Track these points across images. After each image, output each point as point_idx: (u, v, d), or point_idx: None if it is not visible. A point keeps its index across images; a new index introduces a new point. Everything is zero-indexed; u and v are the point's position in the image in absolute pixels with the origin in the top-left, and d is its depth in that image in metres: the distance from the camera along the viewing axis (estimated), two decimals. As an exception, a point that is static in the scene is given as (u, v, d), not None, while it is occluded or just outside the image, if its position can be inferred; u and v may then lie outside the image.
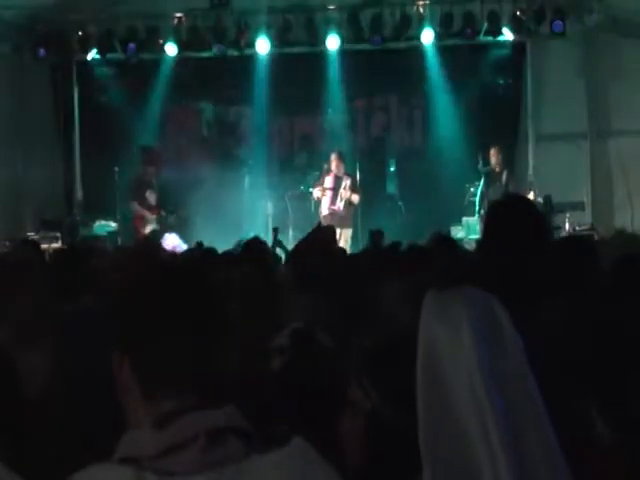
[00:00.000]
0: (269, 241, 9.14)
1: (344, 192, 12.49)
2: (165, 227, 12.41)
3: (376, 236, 8.77)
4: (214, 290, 1.56)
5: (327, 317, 3.31)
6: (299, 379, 2.32)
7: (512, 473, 1.34)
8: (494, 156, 12.40)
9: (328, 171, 12.62)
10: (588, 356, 2.26)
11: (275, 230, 10.70)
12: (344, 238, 12.02)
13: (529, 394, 1.45)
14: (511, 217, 2.64)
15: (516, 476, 1.34)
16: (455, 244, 5.48)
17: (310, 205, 12.85)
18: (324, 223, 12.30)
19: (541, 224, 2.70)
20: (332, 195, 12.54)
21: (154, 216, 12.44)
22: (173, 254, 8.08)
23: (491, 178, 12.31)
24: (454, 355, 1.40)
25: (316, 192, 12.64)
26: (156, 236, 11.38)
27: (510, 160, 13.35)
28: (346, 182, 12.52)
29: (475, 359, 1.39)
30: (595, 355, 2.25)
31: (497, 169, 12.38)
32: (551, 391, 2.26)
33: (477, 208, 12.30)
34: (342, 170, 12.57)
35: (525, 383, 1.46)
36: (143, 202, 12.45)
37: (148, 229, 12.27)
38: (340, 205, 12.51)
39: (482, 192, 12.23)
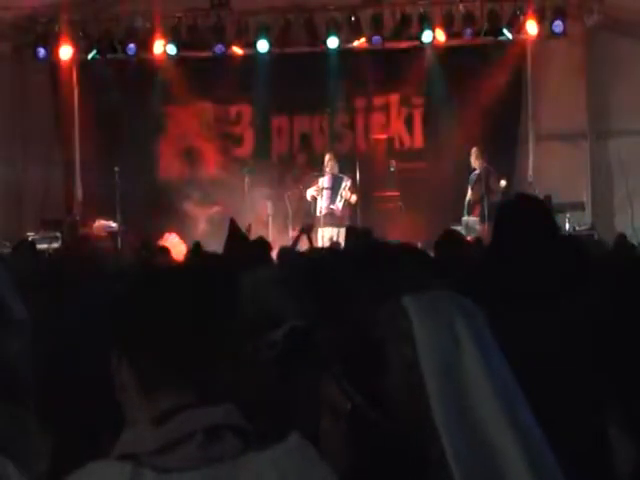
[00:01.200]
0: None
1: (345, 192, 12.53)
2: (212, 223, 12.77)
3: (350, 234, 8.72)
4: (214, 290, 1.56)
5: (315, 317, 3.31)
6: (283, 374, 2.31)
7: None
8: (473, 156, 12.46)
9: (323, 171, 12.66)
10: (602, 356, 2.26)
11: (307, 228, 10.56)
12: (340, 237, 12.02)
13: (512, 391, 1.50)
14: (521, 217, 2.62)
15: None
16: (461, 242, 5.46)
17: (310, 205, 12.86)
18: (321, 222, 12.36)
19: (550, 222, 2.69)
20: (330, 194, 12.55)
21: (203, 213, 12.95)
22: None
23: (475, 177, 12.39)
24: (466, 365, 1.45)
25: (310, 192, 12.64)
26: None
27: (510, 159, 13.38)
28: (347, 182, 12.56)
29: (477, 361, 1.45)
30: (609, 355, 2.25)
31: (477, 170, 12.44)
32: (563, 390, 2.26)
33: (467, 209, 12.35)
34: (336, 170, 12.64)
35: (508, 379, 1.51)
36: (194, 201, 13.00)
37: (201, 226, 12.81)
38: (339, 205, 12.55)
39: (471, 192, 12.34)
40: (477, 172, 12.46)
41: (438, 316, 1.49)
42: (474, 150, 12.48)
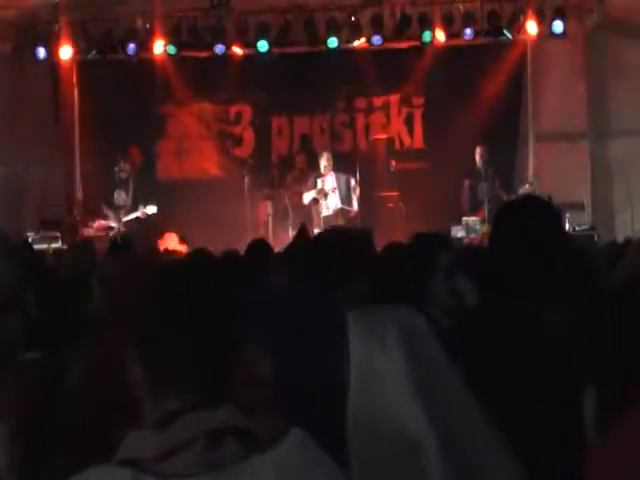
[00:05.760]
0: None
1: (356, 192, 12.48)
2: (132, 225, 12.35)
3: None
4: (224, 291, 1.57)
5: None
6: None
7: (444, 469, 1.46)
8: (478, 155, 12.45)
9: (322, 171, 12.57)
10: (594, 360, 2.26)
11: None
12: None
13: (460, 399, 1.56)
14: (528, 218, 2.60)
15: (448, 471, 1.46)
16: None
17: (310, 207, 12.81)
18: (326, 223, 12.27)
19: (558, 225, 2.68)
20: (341, 194, 12.45)
21: (118, 217, 12.46)
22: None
23: (478, 177, 12.36)
24: (386, 369, 1.52)
25: (309, 195, 12.51)
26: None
27: (510, 159, 13.38)
28: (353, 182, 12.49)
29: (404, 371, 1.51)
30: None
31: (483, 168, 12.42)
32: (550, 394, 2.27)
33: (469, 208, 12.34)
34: (331, 169, 12.59)
35: (453, 387, 1.57)
36: (111, 203, 12.58)
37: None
38: (355, 205, 12.50)
39: (471, 192, 12.31)
40: (480, 169, 12.39)
41: (369, 326, 1.56)
42: (479, 149, 12.43)
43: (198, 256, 5.52)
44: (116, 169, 12.76)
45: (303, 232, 4.83)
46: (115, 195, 12.65)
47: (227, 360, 1.52)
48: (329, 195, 12.45)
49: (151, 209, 12.42)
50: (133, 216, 12.44)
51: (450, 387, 1.53)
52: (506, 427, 1.57)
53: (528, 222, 2.56)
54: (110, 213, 12.51)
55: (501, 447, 1.52)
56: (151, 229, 12.38)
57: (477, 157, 12.48)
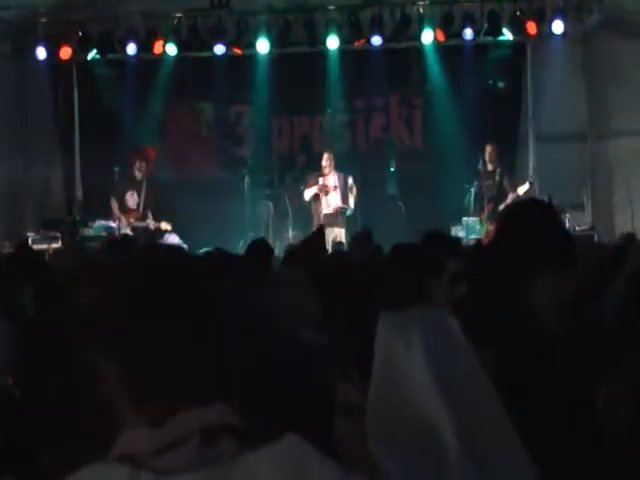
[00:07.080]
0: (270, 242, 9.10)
1: (354, 190, 12.48)
2: (142, 233, 12.28)
3: (362, 236, 8.67)
4: (207, 289, 1.55)
5: (322, 316, 3.33)
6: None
7: (466, 459, 1.49)
8: (489, 154, 12.40)
9: (323, 171, 12.58)
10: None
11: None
12: (339, 237, 11.99)
13: (481, 395, 1.58)
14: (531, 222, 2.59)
15: (470, 462, 1.49)
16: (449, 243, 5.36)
17: (310, 205, 12.81)
18: (325, 222, 12.27)
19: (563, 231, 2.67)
20: (341, 193, 12.45)
21: (130, 219, 12.42)
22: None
23: (485, 176, 12.32)
24: (408, 364, 1.55)
25: (310, 192, 12.51)
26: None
27: (511, 159, 13.36)
28: (350, 181, 12.50)
29: (425, 367, 1.54)
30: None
31: (491, 167, 12.40)
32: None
33: (473, 207, 12.30)
34: (333, 169, 12.58)
35: (476, 385, 1.58)
36: (121, 203, 12.53)
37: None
38: (352, 204, 12.47)
39: (476, 190, 12.26)
40: (488, 168, 12.36)
41: (396, 325, 1.60)
42: (490, 148, 12.36)
43: (179, 255, 5.50)
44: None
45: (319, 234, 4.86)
46: (127, 196, 12.64)
47: (216, 360, 1.51)
48: (330, 193, 12.44)
49: (165, 226, 12.46)
50: (144, 224, 12.45)
51: (472, 387, 1.57)
52: (517, 427, 1.59)
53: (532, 224, 2.56)
54: (121, 215, 12.48)
55: (517, 443, 1.55)
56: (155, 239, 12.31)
57: (487, 156, 12.39)
